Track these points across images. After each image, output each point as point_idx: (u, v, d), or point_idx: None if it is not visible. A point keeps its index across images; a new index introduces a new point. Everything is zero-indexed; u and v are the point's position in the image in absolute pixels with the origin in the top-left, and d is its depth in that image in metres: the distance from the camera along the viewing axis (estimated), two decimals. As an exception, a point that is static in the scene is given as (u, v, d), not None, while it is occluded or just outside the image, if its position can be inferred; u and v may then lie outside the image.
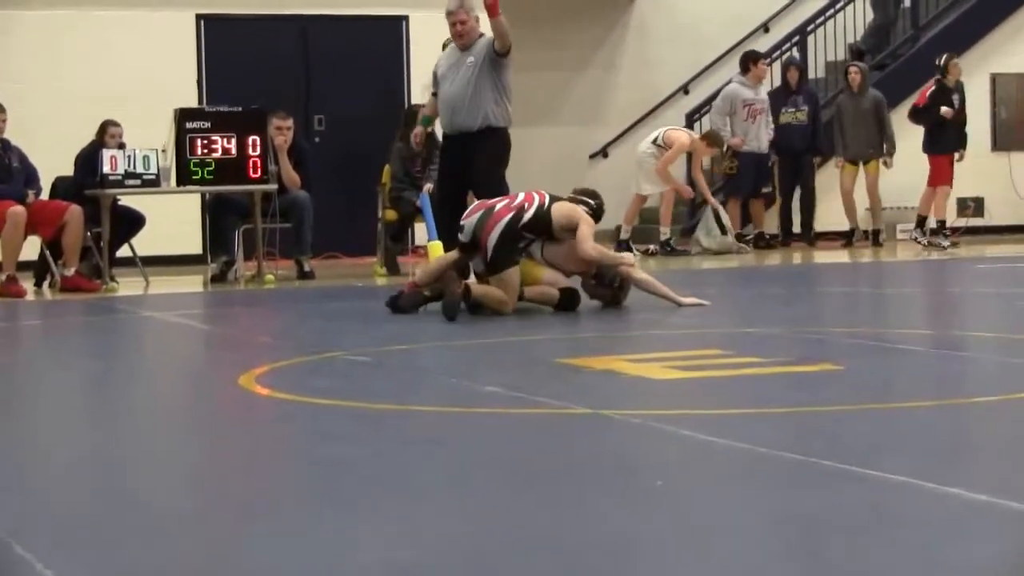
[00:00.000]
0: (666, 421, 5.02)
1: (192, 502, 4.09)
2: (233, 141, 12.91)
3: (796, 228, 16.88)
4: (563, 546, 3.38)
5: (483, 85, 9.99)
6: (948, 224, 16.41)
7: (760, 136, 16.49)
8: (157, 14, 15.81)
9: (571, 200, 9.32)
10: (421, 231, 13.61)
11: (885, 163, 16.53)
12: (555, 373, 6.50)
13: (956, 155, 16.17)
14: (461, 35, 10.19)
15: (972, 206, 17.86)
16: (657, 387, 5.92)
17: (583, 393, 5.81)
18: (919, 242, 16.15)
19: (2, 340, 9.49)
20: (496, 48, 9.98)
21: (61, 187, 13.17)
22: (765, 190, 16.63)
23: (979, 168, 17.26)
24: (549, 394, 5.70)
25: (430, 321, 8.69)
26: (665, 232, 15.89)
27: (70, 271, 12.38)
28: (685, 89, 18.76)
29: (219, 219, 13.75)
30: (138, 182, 12.68)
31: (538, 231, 9.08)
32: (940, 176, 16.08)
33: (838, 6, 18.62)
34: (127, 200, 13.10)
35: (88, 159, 12.89)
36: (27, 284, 12.49)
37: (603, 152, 18.72)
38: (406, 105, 15.28)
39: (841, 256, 15.69)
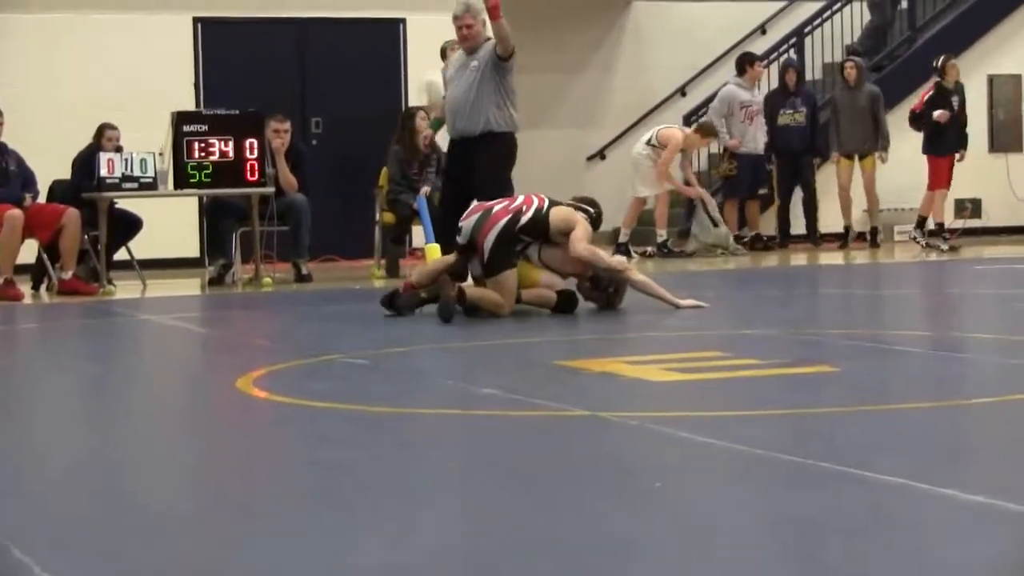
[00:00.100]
0: (664, 423, 5.02)
1: (190, 505, 4.09)
2: (230, 144, 12.91)
3: (795, 230, 16.87)
4: (561, 548, 3.38)
5: (485, 90, 10.00)
6: (946, 226, 16.39)
7: (757, 137, 16.50)
8: (154, 17, 15.81)
9: (570, 207, 9.33)
10: (419, 233, 13.60)
11: (880, 158, 16.52)
12: (553, 375, 6.50)
13: (956, 155, 16.15)
14: (467, 39, 10.20)
15: (970, 207, 17.85)
16: (655, 389, 5.92)
17: (581, 395, 5.81)
18: (918, 242, 16.15)
19: (0, 344, 9.49)
20: (498, 52, 9.99)
21: (58, 190, 13.16)
22: (761, 191, 16.64)
23: (977, 170, 17.25)
24: (547, 396, 5.71)
25: (427, 323, 8.70)
26: (662, 234, 15.90)
27: (67, 274, 12.37)
28: (682, 91, 18.76)
29: (216, 222, 13.75)
30: (135, 185, 12.69)
31: (535, 234, 9.09)
32: (938, 178, 16.07)
33: (835, 8, 18.63)
34: (124, 203, 13.10)
35: (85, 162, 12.89)
36: (24, 287, 12.48)
37: (600, 154, 18.71)
38: (403, 108, 15.28)
39: (839, 257, 15.69)
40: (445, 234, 10.08)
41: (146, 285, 13.10)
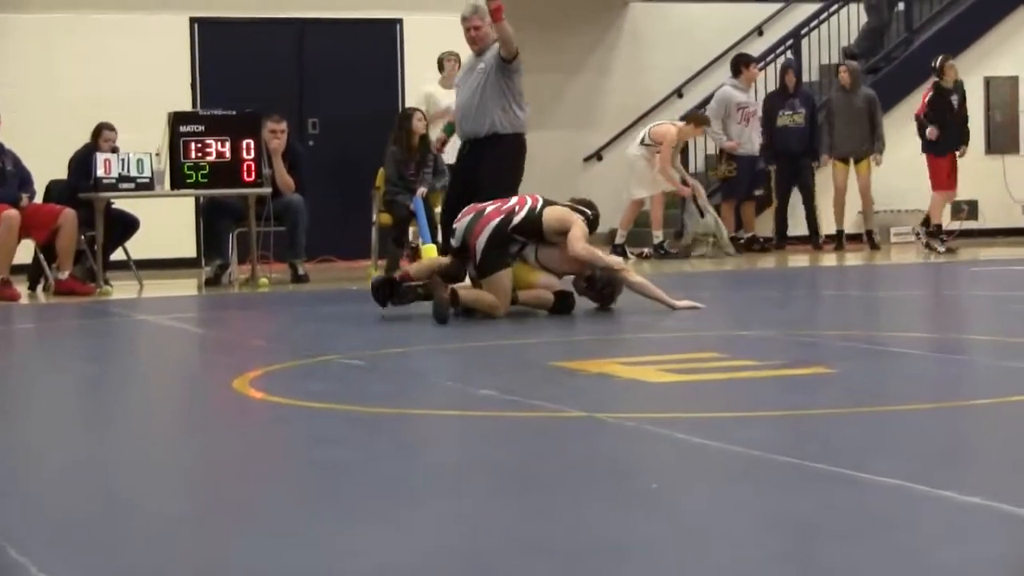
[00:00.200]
0: (660, 424, 5.03)
1: (187, 505, 4.09)
2: (227, 145, 12.90)
3: (792, 231, 16.87)
4: (557, 549, 3.38)
5: (491, 92, 10.01)
6: (943, 228, 16.38)
7: (753, 139, 16.52)
8: (152, 17, 15.81)
9: (567, 207, 9.32)
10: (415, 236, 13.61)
11: (876, 161, 16.53)
12: (549, 376, 6.50)
13: (958, 152, 16.13)
14: (475, 41, 10.20)
15: (966, 209, 17.84)
16: (651, 390, 5.92)
17: (577, 396, 5.81)
18: (920, 238, 16.10)
19: (-4, 344, 9.50)
20: (502, 54, 10.00)
21: (55, 190, 13.15)
22: (757, 192, 16.64)
23: (973, 171, 17.24)
24: (543, 397, 5.71)
25: (424, 324, 8.70)
26: (658, 235, 15.90)
27: (64, 275, 12.37)
28: (679, 93, 18.76)
29: (213, 222, 13.75)
30: (132, 185, 12.69)
31: (529, 234, 9.08)
32: (938, 179, 16.06)
33: (832, 9, 18.64)
34: (121, 203, 13.10)
35: (82, 162, 12.88)
36: (21, 288, 12.48)
37: (597, 155, 18.71)
38: (400, 109, 15.28)
39: (835, 259, 15.70)
40: (447, 235, 10.08)
41: (143, 285, 13.10)
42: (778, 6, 19.34)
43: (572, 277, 9.40)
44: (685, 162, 17.04)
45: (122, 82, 15.35)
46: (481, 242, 8.89)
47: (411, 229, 13.68)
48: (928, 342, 7.91)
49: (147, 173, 12.71)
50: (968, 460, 4.46)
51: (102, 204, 12.64)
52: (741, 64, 16.68)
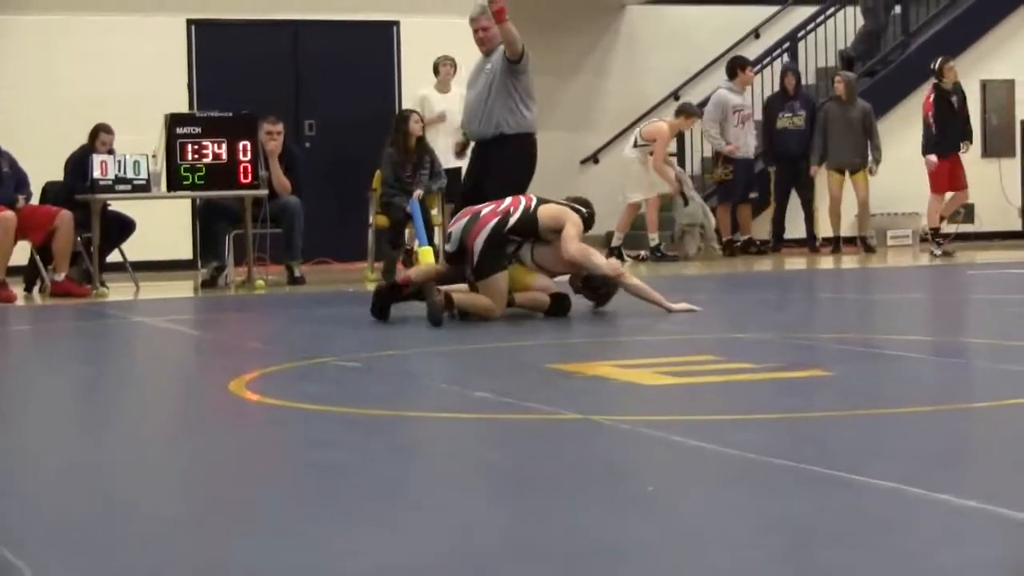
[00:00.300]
0: (656, 427, 5.02)
1: (183, 508, 4.08)
2: (224, 146, 12.90)
3: (790, 234, 16.87)
4: (554, 551, 3.38)
5: (497, 93, 10.02)
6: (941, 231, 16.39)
7: (748, 142, 16.53)
8: (149, 19, 15.81)
9: (562, 206, 9.33)
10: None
11: (871, 171, 16.53)
12: (545, 379, 6.50)
13: (962, 148, 16.12)
14: (483, 42, 10.23)
15: (962, 212, 17.85)
16: (647, 393, 5.92)
17: (573, 399, 5.81)
18: (932, 241, 16.06)
19: (-8, 345, 9.49)
20: (507, 55, 10.01)
21: (51, 192, 13.15)
22: (752, 195, 16.64)
23: (969, 175, 17.22)
24: (539, 400, 5.70)
25: (419, 327, 8.69)
26: (654, 238, 15.91)
27: (60, 276, 12.37)
28: (675, 95, 18.76)
29: (210, 224, 13.75)
30: (128, 187, 12.68)
31: (525, 233, 9.09)
32: (938, 182, 16.07)
33: (829, 12, 18.65)
34: (117, 205, 13.09)
35: (78, 163, 12.88)
36: (17, 289, 12.47)
37: (594, 158, 18.72)
38: (396, 110, 15.29)
39: (831, 262, 15.71)
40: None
41: (139, 287, 13.10)
42: (775, 9, 19.35)
43: (568, 277, 9.40)
44: (682, 165, 17.05)
45: (119, 83, 15.35)
46: (479, 243, 8.89)
47: (407, 231, 13.68)
48: (924, 345, 7.90)
49: (143, 175, 12.71)
50: (965, 463, 4.46)
51: (98, 206, 12.64)
52: (737, 67, 16.70)
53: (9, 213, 12.21)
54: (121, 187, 12.66)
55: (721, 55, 18.50)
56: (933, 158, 15.85)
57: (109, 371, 7.71)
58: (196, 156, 12.84)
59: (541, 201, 9.20)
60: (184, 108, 15.26)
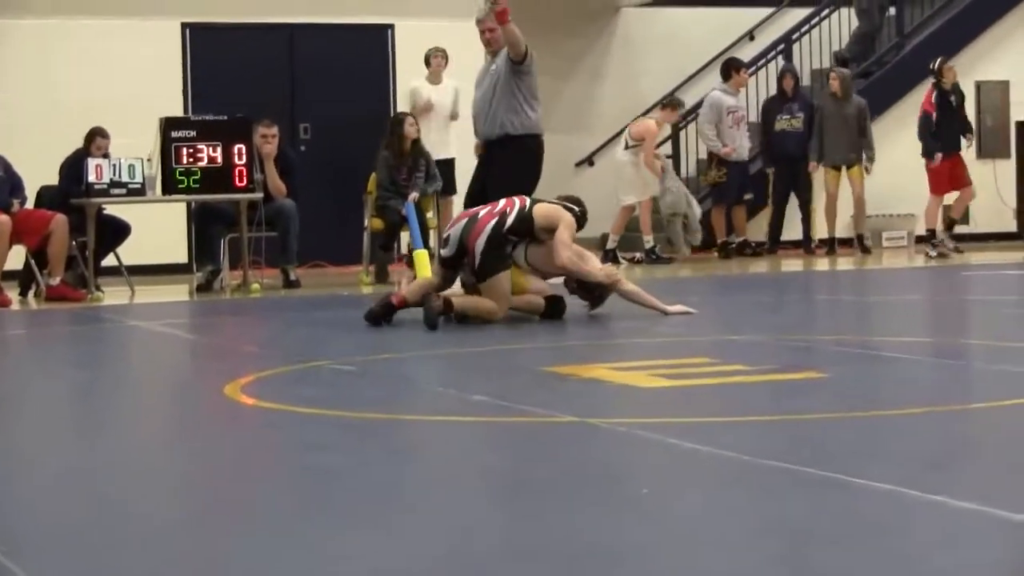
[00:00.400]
0: (652, 429, 5.02)
1: (179, 512, 4.08)
2: (219, 150, 12.90)
3: (787, 235, 16.86)
4: (549, 554, 3.37)
5: (501, 94, 10.05)
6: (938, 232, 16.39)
7: (743, 143, 16.53)
8: (144, 23, 15.80)
9: (555, 205, 9.32)
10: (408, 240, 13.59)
11: (866, 168, 16.54)
12: (541, 382, 6.50)
13: (965, 143, 16.13)
14: (489, 43, 10.27)
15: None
16: (643, 395, 5.92)
17: (569, 401, 5.81)
18: (944, 244, 16.07)
19: (-13, 350, 9.48)
20: (510, 56, 10.03)
21: (46, 196, 13.14)
22: (747, 197, 16.63)
23: (964, 175, 17.28)
24: (535, 403, 5.70)
25: (415, 330, 8.68)
26: (649, 240, 15.91)
27: (55, 280, 12.36)
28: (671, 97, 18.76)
29: (205, 228, 13.73)
30: (123, 191, 12.67)
31: (522, 233, 9.09)
32: (938, 183, 16.06)
33: (823, 14, 18.66)
34: (112, 209, 13.08)
35: (73, 167, 12.87)
36: (12, 293, 12.46)
37: (589, 160, 18.73)
38: (392, 113, 15.28)
39: (827, 263, 15.71)
40: None
41: (134, 291, 13.08)
42: (770, 11, 19.36)
43: (563, 278, 9.40)
44: (676, 167, 17.06)
45: (114, 87, 15.34)
46: (480, 244, 8.88)
47: (403, 234, 13.68)
48: (921, 346, 7.90)
49: (138, 178, 12.70)
50: (961, 465, 4.45)
51: (93, 210, 12.63)
52: (731, 69, 16.71)
53: (4, 217, 12.20)
54: (116, 191, 12.65)
55: (716, 57, 18.50)
56: (940, 156, 15.84)
57: (104, 375, 7.71)
58: (191, 160, 12.84)
59: (535, 201, 9.21)
60: (179, 111, 15.27)
